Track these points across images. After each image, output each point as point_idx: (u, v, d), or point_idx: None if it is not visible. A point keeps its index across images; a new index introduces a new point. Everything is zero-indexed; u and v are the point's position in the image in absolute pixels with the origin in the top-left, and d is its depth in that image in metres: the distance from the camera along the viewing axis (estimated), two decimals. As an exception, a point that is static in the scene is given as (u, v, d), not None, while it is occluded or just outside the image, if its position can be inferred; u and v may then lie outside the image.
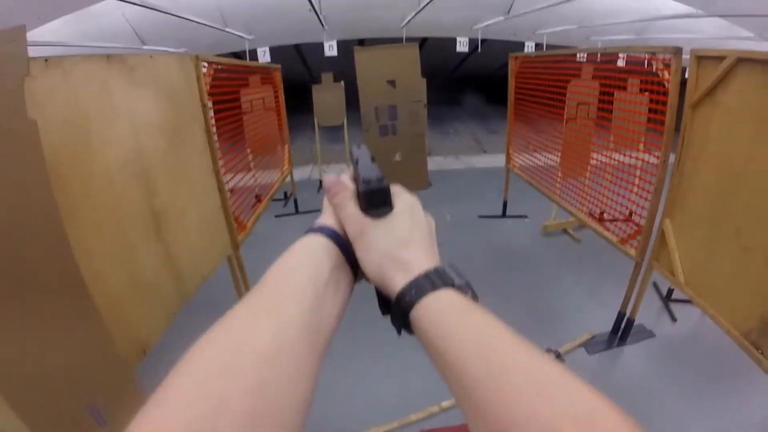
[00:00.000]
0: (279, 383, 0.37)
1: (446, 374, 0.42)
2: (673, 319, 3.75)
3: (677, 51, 2.76)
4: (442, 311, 0.45)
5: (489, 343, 0.41)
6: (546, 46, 9.72)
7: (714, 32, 8.39)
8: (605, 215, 4.34)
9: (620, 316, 3.42)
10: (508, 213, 6.11)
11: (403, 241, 0.52)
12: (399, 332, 0.51)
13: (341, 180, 0.60)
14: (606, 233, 3.66)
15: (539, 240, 5.51)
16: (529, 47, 9.34)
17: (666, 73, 2.92)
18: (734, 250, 2.33)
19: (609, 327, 3.51)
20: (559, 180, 4.85)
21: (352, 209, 0.54)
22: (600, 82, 4.21)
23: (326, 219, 0.57)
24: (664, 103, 2.93)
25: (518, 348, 0.40)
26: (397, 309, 0.48)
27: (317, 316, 0.45)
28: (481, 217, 6.10)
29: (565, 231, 5.71)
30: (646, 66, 3.40)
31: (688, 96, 2.67)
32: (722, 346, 2.79)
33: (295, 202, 6.67)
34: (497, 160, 8.22)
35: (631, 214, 3.83)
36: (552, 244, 5.40)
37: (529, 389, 0.35)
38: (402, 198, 0.56)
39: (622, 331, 3.42)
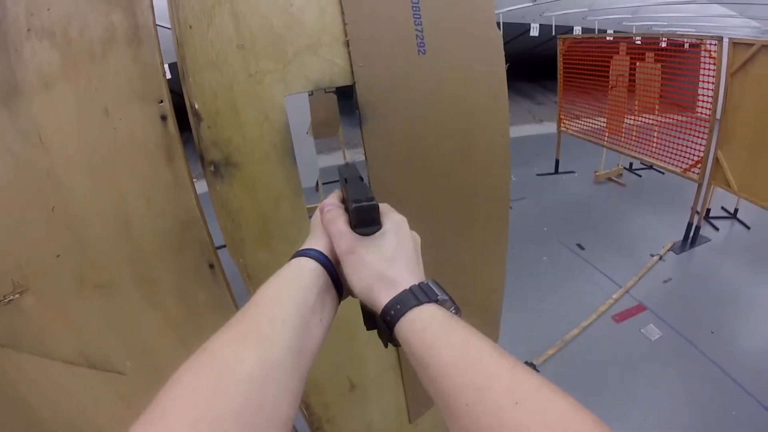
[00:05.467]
0: (265, 406, 0.39)
1: (430, 385, 0.44)
2: (715, 228, 5.22)
3: (720, 39, 4.03)
4: (426, 325, 0.47)
5: (470, 355, 0.43)
6: (555, 27, 10.47)
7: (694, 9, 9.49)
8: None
9: (689, 226, 4.78)
10: (559, 170, 7.25)
11: (390, 258, 0.53)
12: (386, 345, 0.53)
13: (333, 201, 0.62)
14: (671, 167, 5.04)
15: (591, 187, 6.71)
16: (577, 30, 10.16)
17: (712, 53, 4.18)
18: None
19: (677, 237, 4.88)
20: (606, 137, 6.14)
21: (342, 226, 0.55)
22: (630, 57, 5.60)
23: (314, 241, 0.58)
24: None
25: (498, 360, 0.41)
26: (383, 323, 0.50)
27: (302, 341, 0.47)
28: (538, 174, 7.23)
29: (610, 179, 6.88)
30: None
31: (728, 68, 3.93)
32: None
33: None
34: (545, 128, 9.51)
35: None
36: (603, 190, 6.61)
37: (508, 399, 0.37)
38: (390, 217, 0.58)
39: (691, 238, 4.78)
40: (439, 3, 1.15)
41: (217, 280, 1.01)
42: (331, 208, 0.59)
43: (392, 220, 0.57)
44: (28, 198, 0.91)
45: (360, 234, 0.55)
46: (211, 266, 1.00)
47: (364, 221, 0.55)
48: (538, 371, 2.89)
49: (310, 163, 4.27)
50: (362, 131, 1.07)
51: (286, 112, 0.93)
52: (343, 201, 0.63)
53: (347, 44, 0.99)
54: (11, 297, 0.97)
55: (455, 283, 1.51)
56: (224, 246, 0.99)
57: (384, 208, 0.59)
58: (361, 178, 0.66)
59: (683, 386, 3.05)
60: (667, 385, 3.05)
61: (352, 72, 1.02)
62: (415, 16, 1.09)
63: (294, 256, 0.56)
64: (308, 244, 0.58)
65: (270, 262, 1.02)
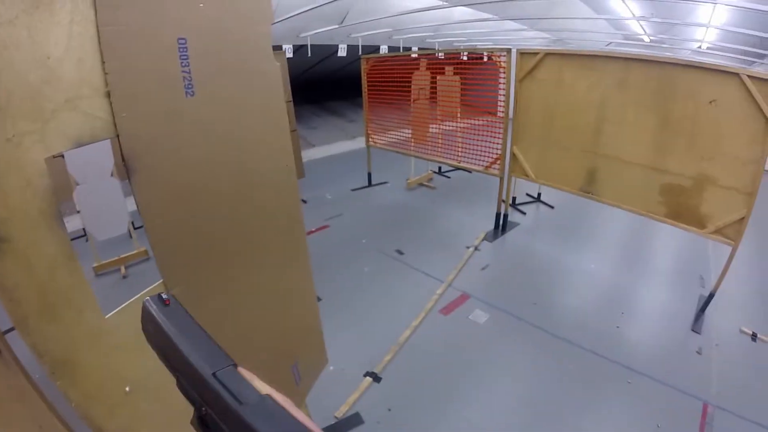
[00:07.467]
0: None
1: None
2: (522, 213, 6.03)
3: (509, 50, 4.69)
4: None
5: None
6: (362, 47, 10.73)
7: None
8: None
9: (498, 215, 5.41)
10: (373, 182, 7.55)
11: None
12: None
13: None
14: (474, 166, 5.61)
15: (405, 194, 7.18)
16: (384, 49, 10.73)
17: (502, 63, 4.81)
18: (558, 152, 4.45)
19: (489, 227, 5.48)
20: (412, 146, 6.66)
21: None
22: (431, 71, 6.19)
23: None
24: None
25: None
26: None
27: None
28: (353, 190, 7.40)
29: (421, 184, 7.44)
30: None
31: (516, 75, 4.57)
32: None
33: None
34: (357, 144, 9.86)
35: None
36: (416, 195, 7.12)
37: None
38: None
39: (501, 226, 5.41)
40: (208, 41, 1.14)
41: (9, 367, 0.90)
42: None
43: None
44: None
45: None
46: (-1, 354, 0.89)
47: None
48: (380, 378, 3.02)
49: (117, 208, 3.88)
50: (131, 184, 1.04)
51: (48, 174, 0.87)
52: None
53: (108, 95, 0.96)
54: None
55: (265, 314, 1.55)
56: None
57: None
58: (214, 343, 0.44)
59: (518, 357, 3.34)
60: (504, 360, 3.31)
61: (115, 124, 0.98)
62: (182, 57, 1.08)
63: None
64: None
65: (59, 334, 0.93)
